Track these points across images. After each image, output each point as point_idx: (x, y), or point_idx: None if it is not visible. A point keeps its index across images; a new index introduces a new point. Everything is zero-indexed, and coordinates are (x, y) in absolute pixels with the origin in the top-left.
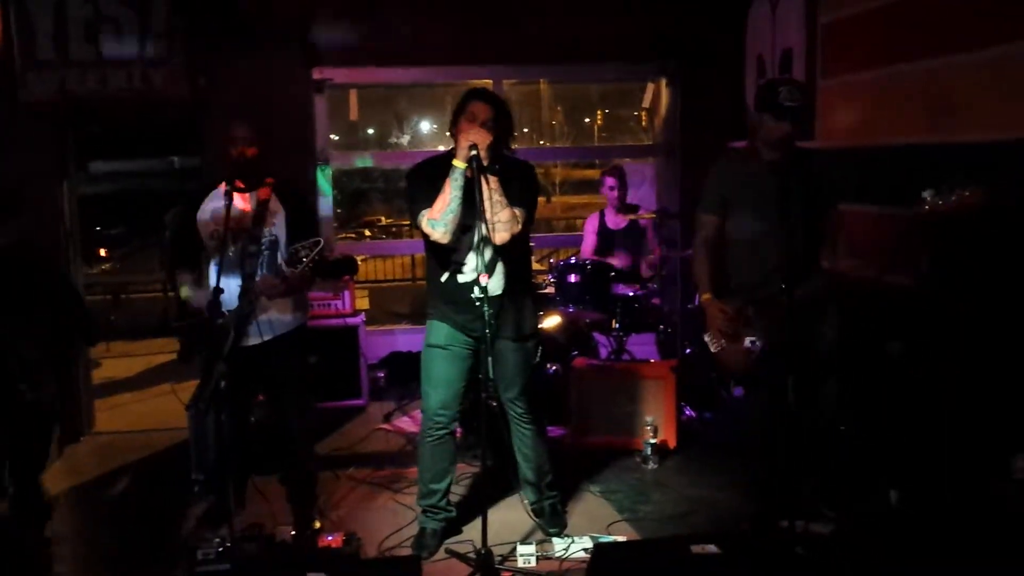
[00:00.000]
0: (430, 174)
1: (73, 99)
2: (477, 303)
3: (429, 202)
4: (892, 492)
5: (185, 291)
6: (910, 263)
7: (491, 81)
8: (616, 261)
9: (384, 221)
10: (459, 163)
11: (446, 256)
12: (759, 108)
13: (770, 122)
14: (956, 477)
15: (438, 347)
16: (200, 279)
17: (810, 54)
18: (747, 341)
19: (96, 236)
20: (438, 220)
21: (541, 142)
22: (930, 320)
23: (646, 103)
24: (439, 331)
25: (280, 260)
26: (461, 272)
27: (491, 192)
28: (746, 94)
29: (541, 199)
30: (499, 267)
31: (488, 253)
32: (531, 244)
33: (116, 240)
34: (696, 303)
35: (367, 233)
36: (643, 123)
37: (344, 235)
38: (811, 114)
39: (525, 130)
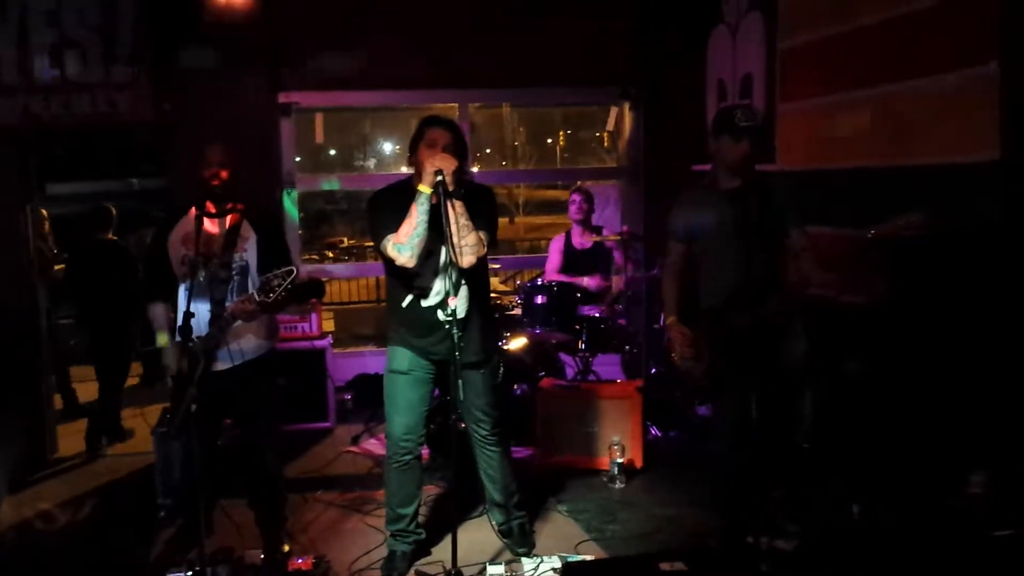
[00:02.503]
0: (392, 200)
1: (37, 123)
2: (446, 325)
3: (394, 227)
4: (854, 506)
5: (162, 339)
6: (865, 283)
7: (456, 105)
8: (588, 281)
9: (347, 242)
10: (424, 188)
11: (409, 281)
12: (716, 131)
13: (728, 143)
14: (916, 491)
15: (400, 372)
16: (174, 321)
17: (769, 79)
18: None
19: (55, 258)
20: (404, 244)
21: (504, 163)
22: (887, 339)
23: (610, 126)
24: (401, 357)
25: (251, 286)
26: (425, 297)
27: (457, 216)
28: (708, 118)
29: (504, 219)
30: (463, 291)
31: (454, 276)
32: (495, 266)
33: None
34: (662, 323)
35: (330, 255)
36: (605, 144)
37: (307, 256)
38: (769, 136)
39: (488, 151)
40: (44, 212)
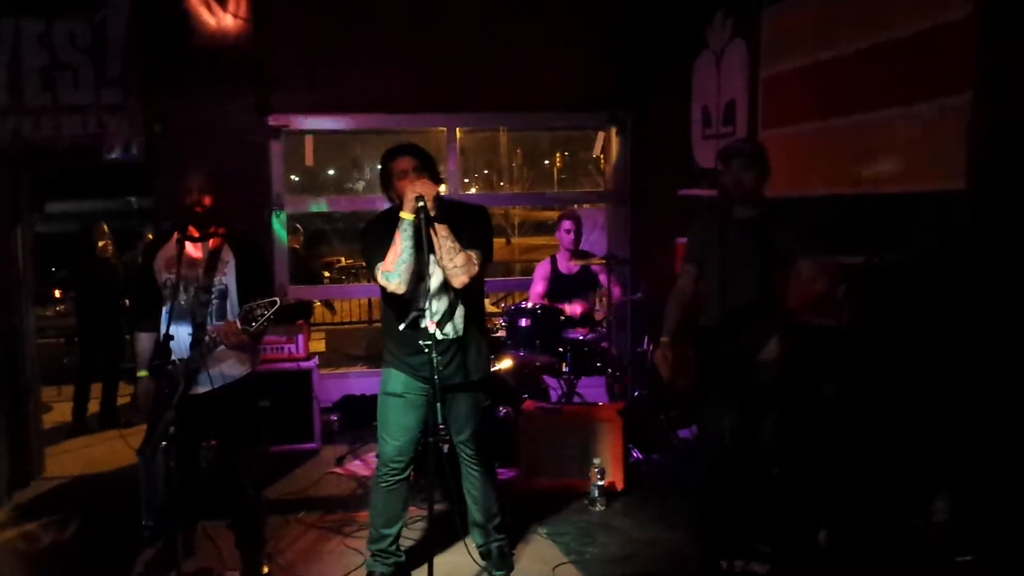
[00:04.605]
0: (382, 228)
1: (28, 145)
2: (426, 349)
3: (383, 255)
4: (821, 532)
5: (142, 372)
6: (836, 309)
7: (445, 128)
8: (571, 308)
9: (344, 262)
10: (407, 215)
11: (404, 306)
12: (717, 164)
13: (723, 174)
14: (883, 516)
15: (395, 395)
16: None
17: (752, 106)
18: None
19: (51, 277)
20: (392, 271)
21: (501, 184)
22: (857, 363)
23: (596, 151)
24: (396, 379)
25: (230, 310)
26: (423, 319)
27: (442, 239)
28: (692, 144)
29: (500, 240)
30: (459, 311)
31: (445, 300)
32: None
33: (70, 281)
34: (645, 346)
35: (326, 274)
36: (601, 166)
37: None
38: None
39: (485, 172)
40: (106, 228)
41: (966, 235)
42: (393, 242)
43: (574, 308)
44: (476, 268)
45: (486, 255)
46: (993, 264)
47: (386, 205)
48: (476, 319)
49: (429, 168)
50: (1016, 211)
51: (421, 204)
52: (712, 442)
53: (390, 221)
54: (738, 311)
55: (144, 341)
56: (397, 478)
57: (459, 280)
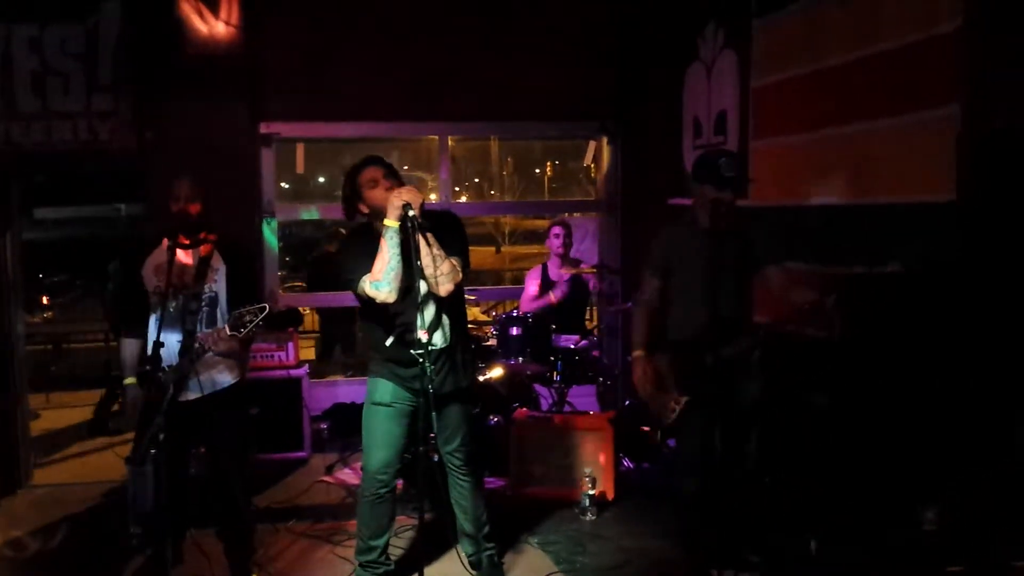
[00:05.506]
0: (362, 241)
1: (18, 151)
2: (420, 359)
3: (367, 268)
4: (811, 541)
5: (131, 380)
6: (826, 319)
7: (437, 137)
8: (553, 296)
9: None
10: (391, 222)
11: (391, 321)
12: (700, 180)
13: (711, 192)
14: (872, 525)
15: (383, 405)
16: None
17: (743, 116)
18: (671, 399)
19: (39, 283)
20: (381, 280)
21: (492, 192)
22: (845, 373)
23: (587, 160)
24: (384, 389)
25: (219, 317)
26: (411, 332)
27: (429, 247)
28: (683, 154)
29: (490, 249)
30: (444, 320)
31: (431, 309)
32: (471, 297)
33: (58, 288)
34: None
35: None
36: (592, 175)
37: (293, 283)
38: (743, 172)
39: (476, 180)
40: None
41: (955, 245)
42: (379, 251)
43: (556, 293)
44: (460, 275)
45: (465, 261)
46: (981, 274)
47: None
48: (460, 327)
49: (397, 178)
50: (1003, 222)
51: (411, 213)
52: (695, 454)
53: (369, 234)
54: (715, 324)
55: (130, 347)
56: (383, 490)
57: (444, 288)
